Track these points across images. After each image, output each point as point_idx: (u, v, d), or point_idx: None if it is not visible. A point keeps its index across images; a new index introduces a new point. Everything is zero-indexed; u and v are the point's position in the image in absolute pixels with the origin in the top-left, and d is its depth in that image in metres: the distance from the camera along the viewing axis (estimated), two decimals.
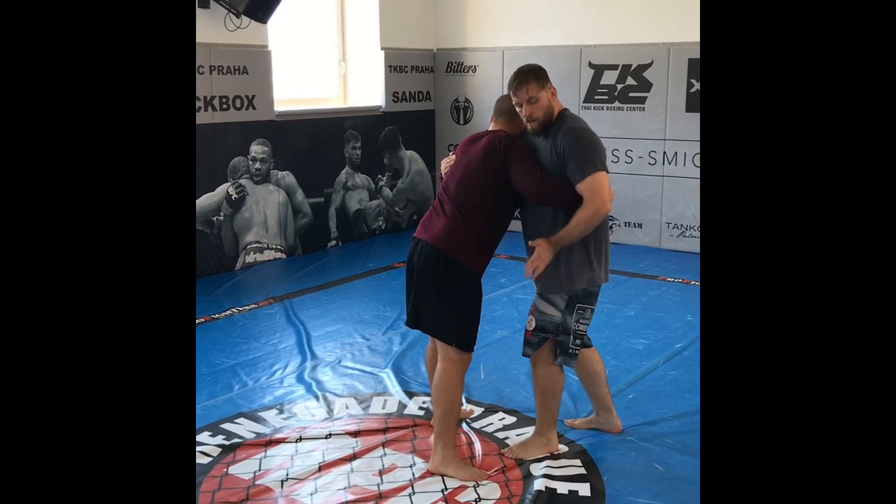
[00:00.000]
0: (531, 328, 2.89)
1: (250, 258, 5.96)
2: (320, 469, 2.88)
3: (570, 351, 2.86)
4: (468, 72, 7.10)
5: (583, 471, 2.84)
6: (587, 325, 2.87)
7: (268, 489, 2.75)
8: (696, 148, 6.07)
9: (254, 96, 5.77)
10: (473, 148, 2.89)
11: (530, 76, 2.75)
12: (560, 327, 2.85)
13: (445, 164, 3.02)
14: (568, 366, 2.93)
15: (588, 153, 2.70)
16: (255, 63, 5.72)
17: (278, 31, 6.03)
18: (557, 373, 2.93)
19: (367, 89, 6.90)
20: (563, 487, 2.74)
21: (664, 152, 6.23)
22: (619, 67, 6.32)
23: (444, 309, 2.80)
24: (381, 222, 7.05)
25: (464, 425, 3.22)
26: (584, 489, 2.73)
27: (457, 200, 2.82)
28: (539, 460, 2.90)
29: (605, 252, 2.85)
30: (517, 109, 2.79)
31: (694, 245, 6.20)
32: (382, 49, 6.77)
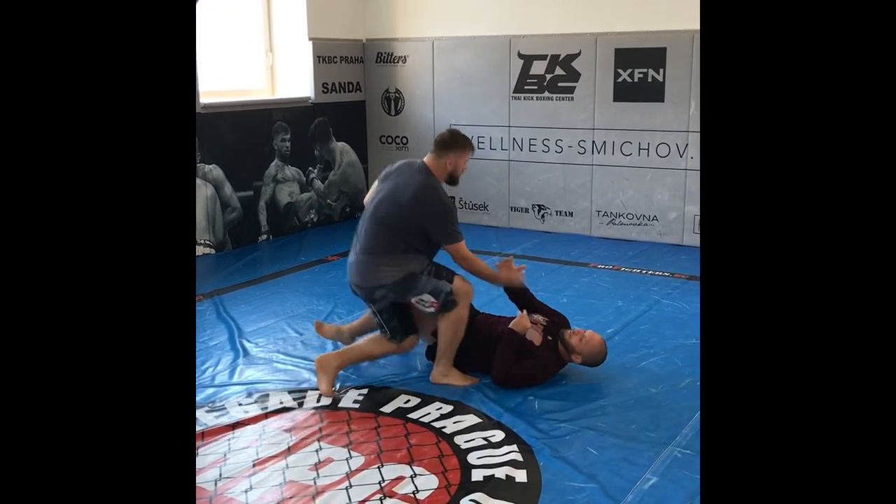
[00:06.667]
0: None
1: None
2: (255, 466, 2.83)
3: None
4: (398, 62, 7.06)
5: (519, 457, 2.87)
6: None
7: (200, 489, 2.69)
8: (624, 137, 6.18)
9: None
10: None
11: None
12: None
13: None
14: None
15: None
16: None
17: (202, 21, 5.87)
18: None
19: (295, 80, 6.79)
20: (500, 473, 2.76)
21: (593, 141, 6.32)
22: (548, 57, 6.37)
23: None
24: (312, 215, 6.96)
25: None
26: (520, 475, 2.75)
27: None
28: (475, 449, 2.92)
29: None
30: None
31: (623, 232, 6.32)
32: (310, 39, 6.67)
